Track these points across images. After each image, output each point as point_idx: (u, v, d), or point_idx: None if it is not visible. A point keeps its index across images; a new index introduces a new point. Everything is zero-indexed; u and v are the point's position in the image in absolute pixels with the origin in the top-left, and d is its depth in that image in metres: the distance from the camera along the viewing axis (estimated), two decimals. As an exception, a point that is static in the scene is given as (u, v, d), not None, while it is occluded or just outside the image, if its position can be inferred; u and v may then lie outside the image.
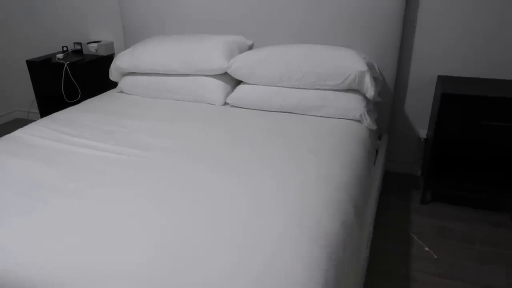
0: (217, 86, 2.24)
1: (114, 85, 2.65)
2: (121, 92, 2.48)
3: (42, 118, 2.07)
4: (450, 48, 2.25)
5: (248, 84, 2.20)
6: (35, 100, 3.33)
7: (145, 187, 1.39)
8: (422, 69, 2.35)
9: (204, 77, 2.27)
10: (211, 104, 2.25)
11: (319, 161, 1.57)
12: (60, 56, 2.85)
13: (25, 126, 1.95)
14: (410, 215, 2.19)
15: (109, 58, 2.95)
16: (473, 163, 2.31)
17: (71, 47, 3.12)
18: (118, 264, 1.04)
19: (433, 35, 2.25)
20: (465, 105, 2.05)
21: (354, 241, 1.34)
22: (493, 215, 2.17)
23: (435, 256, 1.87)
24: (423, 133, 2.47)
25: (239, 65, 2.16)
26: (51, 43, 3.21)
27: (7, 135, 1.87)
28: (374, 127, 2.06)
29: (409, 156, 2.58)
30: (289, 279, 1.00)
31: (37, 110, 3.51)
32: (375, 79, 2.15)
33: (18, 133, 1.89)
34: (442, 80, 2.22)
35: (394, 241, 1.99)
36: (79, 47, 3.02)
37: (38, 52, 3.24)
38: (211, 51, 2.24)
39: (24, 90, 3.52)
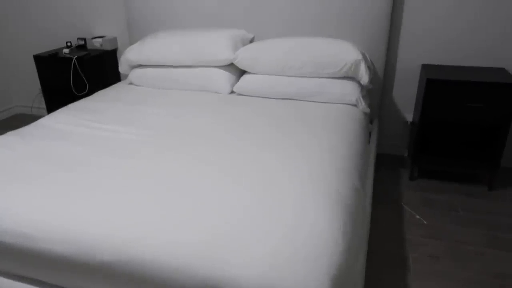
0: (224, 76, 2.43)
1: (117, 78, 2.82)
2: (131, 83, 2.64)
3: (62, 108, 2.21)
4: (431, 41, 2.51)
5: (252, 73, 2.40)
6: (40, 94, 3.45)
7: (175, 162, 1.57)
8: (407, 60, 2.61)
9: (211, 68, 2.46)
10: (217, 92, 2.44)
11: (325, 137, 1.79)
12: (67, 51, 2.98)
13: (48, 115, 2.09)
14: (400, 189, 2.45)
15: (113, 53, 3.11)
16: (454, 142, 2.59)
17: (74, 42, 3.24)
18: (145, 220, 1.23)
19: (417, 30, 2.51)
20: (447, 90, 2.30)
21: (361, 201, 1.57)
22: (472, 186, 2.45)
23: (425, 222, 2.12)
24: (409, 117, 2.73)
25: (244, 56, 2.36)
26: (51, 38, 3.33)
27: (34, 122, 2.01)
28: (368, 110, 2.30)
29: (397, 138, 2.84)
30: (316, 229, 1.19)
31: (40, 105, 3.62)
32: (367, 68, 2.38)
33: (44, 120, 2.03)
34: (426, 68, 2.48)
35: (389, 210, 2.24)
36: (83, 42, 3.14)
37: (39, 48, 3.36)
38: (218, 44, 2.42)
39: (24, 85, 3.62)
